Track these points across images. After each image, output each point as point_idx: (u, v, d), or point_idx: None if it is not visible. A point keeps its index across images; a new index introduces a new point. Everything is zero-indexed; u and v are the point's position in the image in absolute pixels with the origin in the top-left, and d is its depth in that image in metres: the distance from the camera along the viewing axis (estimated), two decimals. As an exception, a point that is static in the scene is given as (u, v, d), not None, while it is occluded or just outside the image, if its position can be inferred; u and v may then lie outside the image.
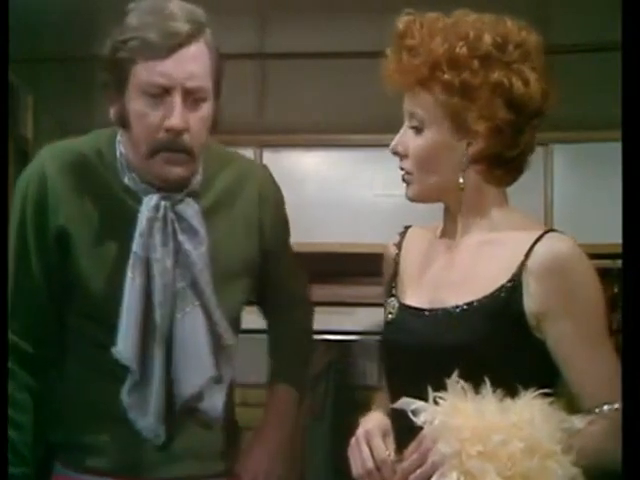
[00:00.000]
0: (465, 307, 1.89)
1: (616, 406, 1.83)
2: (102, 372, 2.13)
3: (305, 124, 3.98)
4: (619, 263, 4.13)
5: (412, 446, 1.79)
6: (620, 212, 4.35)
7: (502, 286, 1.87)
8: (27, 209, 2.14)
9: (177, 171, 2.07)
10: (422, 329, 1.92)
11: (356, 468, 1.90)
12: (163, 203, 2.07)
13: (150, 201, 2.07)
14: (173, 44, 2.01)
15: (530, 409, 1.77)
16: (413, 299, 1.98)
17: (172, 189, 2.09)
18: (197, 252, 2.07)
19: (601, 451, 1.82)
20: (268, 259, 2.25)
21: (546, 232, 1.90)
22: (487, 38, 1.88)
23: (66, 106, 4.18)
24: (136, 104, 2.04)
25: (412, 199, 1.98)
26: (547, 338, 1.87)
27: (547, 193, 4.24)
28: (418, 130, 1.93)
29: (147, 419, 2.08)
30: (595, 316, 1.88)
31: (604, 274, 4.32)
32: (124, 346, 2.05)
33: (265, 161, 4.02)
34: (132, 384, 2.08)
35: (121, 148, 2.11)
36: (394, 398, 1.91)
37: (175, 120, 2.03)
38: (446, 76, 1.88)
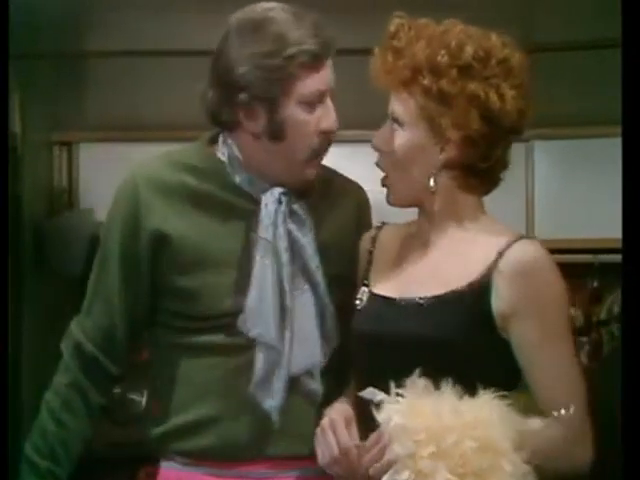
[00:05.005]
0: (433, 299, 1.92)
1: (572, 410, 1.87)
2: (196, 356, 2.14)
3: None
4: (599, 258, 4.20)
5: (372, 438, 1.83)
6: (601, 208, 4.38)
7: (471, 283, 1.91)
8: (116, 217, 2.17)
9: (316, 171, 2.15)
10: (390, 317, 1.96)
11: (322, 456, 1.95)
12: (283, 198, 2.13)
13: (272, 195, 2.12)
14: (328, 53, 2.10)
15: (487, 409, 1.80)
16: (384, 290, 2.02)
17: (292, 188, 2.14)
18: (306, 239, 2.13)
19: (555, 454, 1.86)
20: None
21: (519, 238, 1.94)
22: (469, 50, 1.92)
23: (54, 102, 4.20)
24: (297, 114, 2.08)
25: (392, 204, 2.02)
26: (511, 339, 1.91)
27: (528, 189, 4.27)
28: (397, 129, 1.97)
29: (274, 400, 2.10)
30: (559, 321, 1.92)
31: (584, 269, 4.39)
32: (266, 329, 2.09)
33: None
34: (270, 364, 2.10)
35: (235, 151, 2.15)
36: (361, 385, 1.95)
37: (335, 122, 2.11)
38: (425, 81, 1.92)
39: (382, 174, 2.01)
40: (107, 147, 4.30)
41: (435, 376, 1.81)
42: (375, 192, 2.08)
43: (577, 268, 4.19)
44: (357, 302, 2.03)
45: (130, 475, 2.54)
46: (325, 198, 2.23)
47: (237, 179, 2.14)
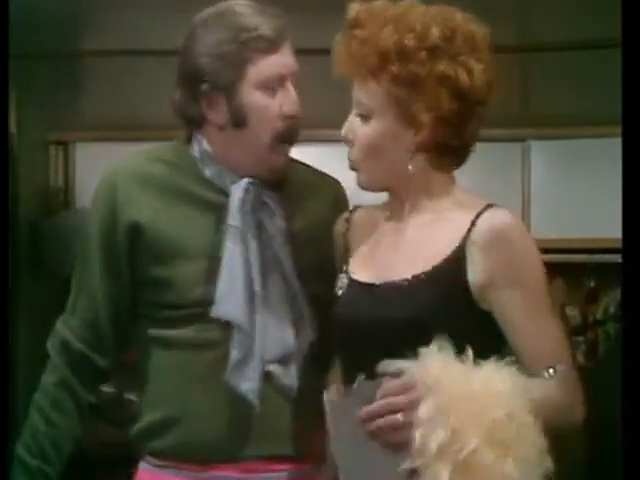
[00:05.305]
0: (412, 279, 1.93)
1: (563, 367, 1.88)
2: (180, 351, 2.16)
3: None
4: (595, 258, 4.21)
5: (399, 385, 1.78)
6: (597, 208, 4.39)
7: (446, 259, 1.92)
8: (95, 213, 2.22)
9: (286, 159, 2.19)
10: (371, 303, 1.96)
11: None
12: (251, 187, 2.16)
13: (241, 185, 2.16)
14: (282, 37, 2.15)
15: (508, 378, 1.80)
16: (363, 275, 2.02)
17: (262, 178, 2.18)
18: (275, 228, 2.17)
19: (556, 412, 1.85)
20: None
21: (487, 206, 1.95)
22: (435, 30, 1.93)
23: (51, 101, 4.20)
24: (256, 99, 2.13)
25: (363, 187, 2.02)
26: (493, 309, 1.92)
27: (524, 189, 4.29)
28: (365, 119, 1.97)
29: (250, 383, 2.11)
30: (537, 284, 1.93)
31: (581, 269, 4.41)
32: (235, 311, 2.11)
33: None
34: (244, 350, 2.12)
35: (204, 146, 2.19)
36: (345, 374, 1.97)
37: (296, 106, 2.15)
38: (394, 67, 1.92)
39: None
40: (104, 146, 4.29)
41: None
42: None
43: (574, 268, 4.22)
44: (337, 289, 2.04)
45: (127, 475, 2.54)
46: (301, 191, 2.25)
47: (207, 173, 2.18)
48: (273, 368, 2.13)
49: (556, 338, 1.91)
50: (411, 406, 1.76)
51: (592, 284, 4.30)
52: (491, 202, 1.94)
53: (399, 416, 1.77)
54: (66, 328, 2.21)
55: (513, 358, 1.83)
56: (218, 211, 2.16)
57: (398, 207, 2.00)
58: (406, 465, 1.76)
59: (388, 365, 1.80)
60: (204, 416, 2.13)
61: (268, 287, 2.15)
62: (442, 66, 1.89)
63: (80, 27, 3.81)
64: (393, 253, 1.98)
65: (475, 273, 1.89)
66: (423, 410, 1.75)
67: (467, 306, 1.90)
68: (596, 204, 4.08)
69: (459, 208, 1.95)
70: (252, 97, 2.12)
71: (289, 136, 2.16)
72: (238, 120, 2.13)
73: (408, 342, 1.82)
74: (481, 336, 1.89)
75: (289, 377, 2.14)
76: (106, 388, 4.04)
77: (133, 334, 2.25)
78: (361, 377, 1.84)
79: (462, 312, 1.89)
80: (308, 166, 2.33)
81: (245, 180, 2.15)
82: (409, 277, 1.92)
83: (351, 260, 2.06)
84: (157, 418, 2.17)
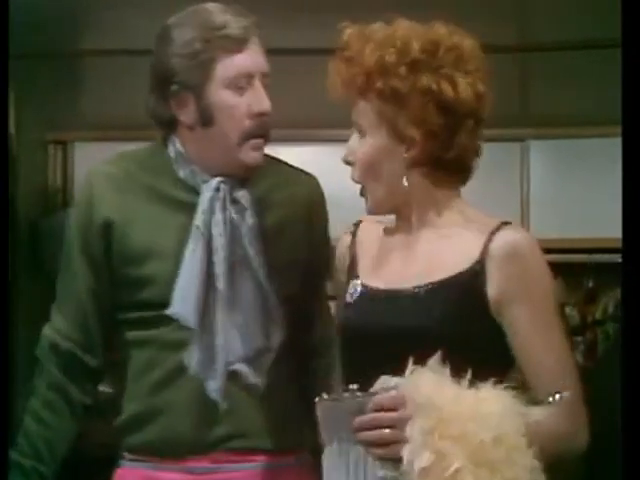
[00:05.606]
0: (427, 287, 1.93)
1: (566, 394, 1.88)
2: (155, 350, 2.19)
3: (284, 120, 4.01)
4: (594, 258, 4.22)
5: (387, 399, 1.80)
6: (596, 207, 4.40)
7: (465, 270, 1.92)
8: (74, 215, 2.26)
9: (258, 156, 2.20)
10: (384, 310, 1.96)
11: None
12: (222, 186, 2.19)
13: (211, 184, 2.19)
14: (250, 36, 2.17)
15: (502, 401, 1.81)
16: (375, 283, 2.02)
17: (236, 176, 2.20)
18: (245, 226, 2.19)
19: (557, 440, 1.86)
20: (315, 255, 2.30)
21: (504, 223, 1.95)
22: (415, 44, 1.94)
23: (50, 101, 4.21)
24: (223, 98, 2.16)
25: (370, 212, 2.03)
26: (503, 324, 1.92)
27: (523, 188, 4.30)
28: (361, 138, 1.99)
29: (214, 381, 2.16)
30: (547, 304, 1.94)
31: (580, 269, 4.42)
32: (184, 308, 2.14)
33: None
34: (201, 346, 2.16)
35: (178, 147, 2.22)
36: (348, 379, 1.94)
37: (266, 104, 2.17)
38: (378, 84, 1.93)
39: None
40: (102, 146, 4.29)
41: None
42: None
43: (573, 268, 4.23)
44: (349, 296, 2.04)
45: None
46: (275, 187, 2.27)
47: (181, 173, 2.21)
48: (239, 367, 2.16)
49: (562, 356, 1.91)
50: (400, 423, 1.77)
51: (591, 284, 4.31)
52: (505, 220, 1.95)
53: (387, 432, 1.78)
54: (53, 331, 2.23)
55: (515, 376, 1.85)
56: (190, 211, 2.18)
57: (405, 223, 2.01)
58: (391, 476, 1.78)
59: (387, 381, 1.81)
60: (177, 413, 2.16)
61: (236, 286, 2.17)
62: (424, 80, 1.90)
63: (80, 27, 3.82)
64: (405, 264, 1.99)
65: (492, 287, 1.89)
66: (409, 430, 1.75)
67: (481, 318, 1.90)
68: (596, 204, 4.09)
69: (470, 224, 1.95)
70: (220, 96, 2.14)
71: (259, 134, 2.17)
72: (205, 119, 2.15)
73: (418, 350, 1.82)
74: (495, 348, 1.90)
75: (255, 376, 2.16)
76: (105, 388, 4.04)
77: (114, 333, 2.27)
78: (353, 387, 1.85)
79: (475, 324, 1.89)
80: (284, 162, 2.34)
81: (216, 179, 2.17)
82: (423, 284, 1.93)
83: (360, 270, 2.06)
84: (132, 416, 2.20)
